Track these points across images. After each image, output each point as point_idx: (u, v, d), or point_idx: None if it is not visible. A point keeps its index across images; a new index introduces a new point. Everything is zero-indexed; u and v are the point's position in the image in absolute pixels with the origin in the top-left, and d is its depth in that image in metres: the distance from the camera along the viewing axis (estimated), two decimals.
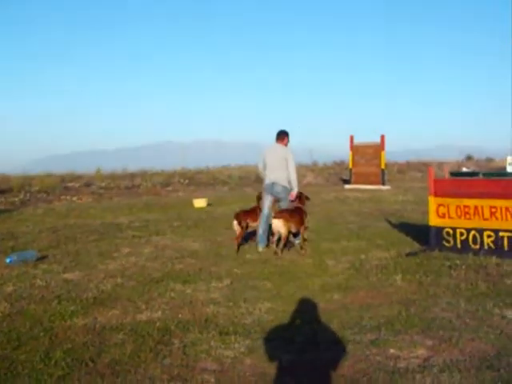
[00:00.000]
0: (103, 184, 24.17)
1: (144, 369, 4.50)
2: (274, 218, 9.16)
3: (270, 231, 9.64)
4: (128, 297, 6.71)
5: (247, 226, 9.84)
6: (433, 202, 9.27)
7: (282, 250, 9.14)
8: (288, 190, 9.75)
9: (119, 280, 7.54)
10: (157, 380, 4.29)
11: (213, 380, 4.28)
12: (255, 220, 9.93)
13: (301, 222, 9.53)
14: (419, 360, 4.58)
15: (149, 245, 10.37)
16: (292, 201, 9.80)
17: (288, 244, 9.56)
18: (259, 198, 10.19)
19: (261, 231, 9.74)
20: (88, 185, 24.00)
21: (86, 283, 7.43)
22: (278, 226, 9.02)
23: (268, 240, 9.73)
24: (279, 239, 9.15)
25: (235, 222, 9.74)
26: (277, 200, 9.90)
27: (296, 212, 9.53)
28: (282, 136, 10.02)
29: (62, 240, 11.03)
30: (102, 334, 5.38)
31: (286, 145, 10.03)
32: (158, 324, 5.60)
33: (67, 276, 7.87)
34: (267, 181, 9.80)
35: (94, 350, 4.92)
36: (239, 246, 9.59)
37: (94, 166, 28.01)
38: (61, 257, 9.26)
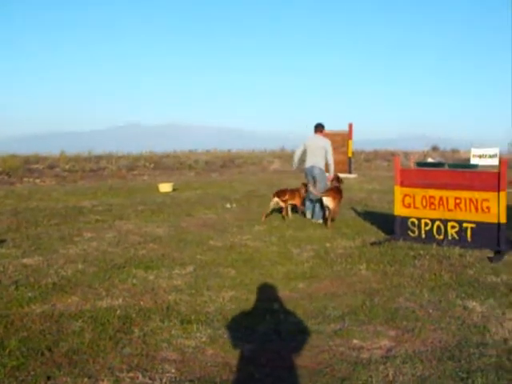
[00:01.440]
0: (67, 167, 23.78)
1: (103, 358, 4.38)
2: (324, 195, 10.81)
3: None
4: (89, 283, 6.56)
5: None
6: (399, 191, 9.29)
7: (331, 222, 10.65)
8: (324, 173, 11.62)
9: (80, 266, 7.37)
10: (116, 370, 4.17)
11: (173, 370, 4.18)
12: (293, 199, 11.65)
13: (341, 199, 11.24)
14: (382, 351, 4.56)
15: (112, 229, 10.19)
16: (331, 181, 11.58)
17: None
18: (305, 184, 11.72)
19: (316, 208, 11.49)
20: (52, 167, 23.58)
21: (46, 268, 7.24)
22: (328, 201, 10.66)
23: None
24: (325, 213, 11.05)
25: (276, 199, 11.47)
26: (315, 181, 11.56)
27: (337, 190, 11.15)
28: (321, 128, 11.90)
29: (22, 223, 10.78)
30: (60, 321, 5.22)
31: (323, 135, 11.93)
32: (118, 312, 5.47)
33: (26, 261, 7.66)
34: (307, 165, 11.69)
35: (51, 339, 4.77)
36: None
37: (59, 148, 27.52)
38: (20, 241, 9.03)
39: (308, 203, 11.79)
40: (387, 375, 4.03)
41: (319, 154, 11.55)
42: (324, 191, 11.11)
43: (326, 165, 11.71)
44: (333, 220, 10.81)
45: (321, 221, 11.30)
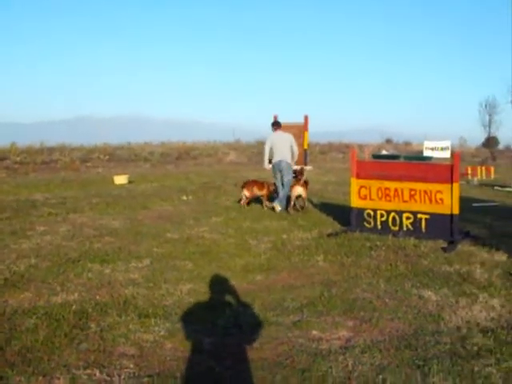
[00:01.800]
0: (18, 159, 23.20)
1: (58, 355, 4.26)
2: (296, 186, 11.77)
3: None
4: (42, 278, 6.40)
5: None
6: (355, 183, 9.38)
7: (302, 208, 11.80)
8: (290, 166, 12.14)
9: (33, 260, 7.19)
10: (72, 367, 4.06)
11: (132, 365, 4.11)
12: (261, 189, 12.38)
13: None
14: (341, 341, 4.58)
15: (66, 223, 9.99)
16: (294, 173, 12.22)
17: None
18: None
19: (281, 196, 11.97)
20: (2, 159, 22.95)
21: None
22: (300, 190, 11.71)
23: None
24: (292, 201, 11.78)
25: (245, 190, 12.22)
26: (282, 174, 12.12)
27: (305, 182, 12.01)
28: (280, 124, 12.69)
29: None
30: (13, 318, 5.06)
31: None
32: (73, 307, 5.34)
33: None
34: (275, 159, 12.21)
35: (4, 337, 4.61)
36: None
37: (9, 140, 26.81)
38: None
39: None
40: (347, 365, 4.05)
41: (285, 149, 12.16)
42: (297, 182, 11.91)
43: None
44: (303, 208, 11.82)
45: (280, 209, 11.72)
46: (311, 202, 12.86)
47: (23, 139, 28.15)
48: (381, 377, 3.86)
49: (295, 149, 12.29)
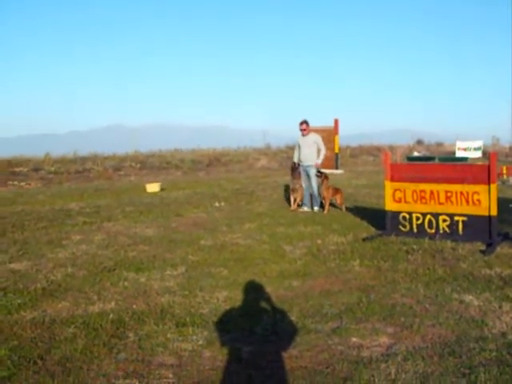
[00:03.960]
0: (52, 169, 23.52)
1: (97, 365, 4.27)
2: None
3: None
4: (79, 287, 6.43)
5: None
6: (389, 186, 9.25)
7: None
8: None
9: (69, 269, 7.24)
10: (111, 377, 4.06)
11: (171, 375, 4.08)
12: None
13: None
14: (382, 348, 4.49)
15: (100, 232, 10.05)
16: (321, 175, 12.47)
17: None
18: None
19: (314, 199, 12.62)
20: (36, 169, 23.31)
21: (35, 273, 7.10)
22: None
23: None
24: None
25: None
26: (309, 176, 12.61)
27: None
28: (305, 125, 12.58)
29: (8, 228, 10.59)
30: (52, 328, 5.09)
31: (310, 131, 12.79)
32: (111, 316, 5.35)
33: (14, 266, 7.52)
34: (304, 163, 12.61)
35: (43, 346, 4.64)
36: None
37: (43, 151, 27.23)
38: (7, 246, 8.87)
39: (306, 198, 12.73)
40: (389, 373, 3.96)
41: (313, 150, 12.55)
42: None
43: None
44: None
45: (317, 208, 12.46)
46: (345, 206, 12.73)
47: (57, 149, 28.53)
48: None
49: (323, 148, 12.63)
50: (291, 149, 34.67)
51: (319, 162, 12.62)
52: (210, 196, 15.24)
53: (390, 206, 9.26)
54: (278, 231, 9.78)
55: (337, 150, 24.79)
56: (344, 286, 6.31)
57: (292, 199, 12.73)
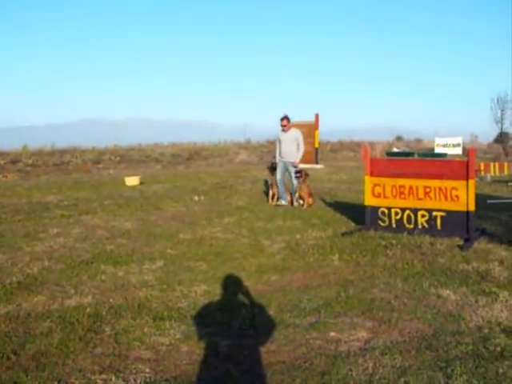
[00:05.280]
0: (30, 161, 23.24)
1: (73, 360, 4.21)
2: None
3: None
4: (56, 281, 6.35)
5: None
6: (368, 181, 9.27)
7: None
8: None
9: (46, 263, 7.15)
10: (87, 372, 4.00)
11: (148, 370, 4.04)
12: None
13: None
14: (360, 343, 4.49)
15: (78, 225, 9.95)
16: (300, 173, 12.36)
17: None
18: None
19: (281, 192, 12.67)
20: (14, 162, 23.01)
21: (10, 267, 6.98)
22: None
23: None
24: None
25: None
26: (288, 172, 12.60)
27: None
28: (285, 120, 12.49)
29: None
30: (27, 322, 5.01)
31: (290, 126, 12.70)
32: (87, 310, 5.29)
33: None
34: (284, 158, 12.56)
35: (18, 341, 4.56)
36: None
37: (21, 143, 26.91)
38: None
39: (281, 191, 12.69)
40: (367, 368, 3.96)
41: (293, 146, 12.49)
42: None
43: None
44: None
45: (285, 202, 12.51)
46: (324, 201, 12.76)
47: (35, 142, 28.21)
48: (403, 379, 3.76)
49: (301, 146, 12.54)
50: (271, 143, 34.68)
51: (297, 160, 12.55)
52: (190, 190, 15.17)
53: (369, 201, 9.29)
54: (256, 225, 9.76)
55: (317, 145, 24.84)
56: (323, 281, 6.31)
57: (271, 194, 12.70)
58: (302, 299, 5.60)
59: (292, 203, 12.52)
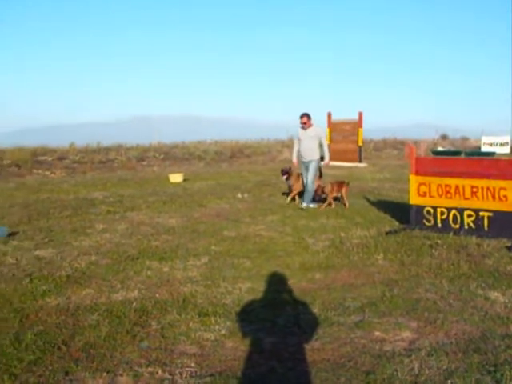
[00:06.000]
0: (77, 158, 23.71)
1: (120, 352, 4.30)
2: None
3: None
4: (103, 275, 6.48)
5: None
6: (414, 180, 9.16)
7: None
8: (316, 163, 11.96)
9: (93, 258, 7.31)
10: (134, 364, 4.09)
11: (193, 364, 4.10)
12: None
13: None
14: (405, 343, 4.45)
15: (124, 221, 10.11)
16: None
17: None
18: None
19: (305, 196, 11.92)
20: (61, 159, 23.51)
21: (59, 261, 7.17)
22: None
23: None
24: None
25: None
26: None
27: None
28: (306, 118, 11.84)
29: (33, 215, 10.72)
30: (76, 314, 5.15)
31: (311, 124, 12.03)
32: (134, 304, 5.39)
33: (39, 253, 7.60)
34: (305, 158, 11.97)
35: (68, 333, 4.69)
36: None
37: (68, 140, 27.47)
38: (32, 233, 8.97)
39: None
40: (412, 368, 3.93)
41: (313, 145, 11.90)
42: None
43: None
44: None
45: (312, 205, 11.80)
46: (367, 199, 12.65)
47: (81, 139, 28.73)
48: (449, 382, 3.72)
49: (325, 143, 12.08)
50: None
51: (327, 160, 12.19)
52: (233, 187, 15.25)
53: (414, 200, 9.17)
54: (300, 223, 9.75)
55: (360, 143, 24.65)
56: (367, 280, 6.27)
57: (291, 195, 12.53)
58: (347, 298, 5.59)
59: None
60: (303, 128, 11.94)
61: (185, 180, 17.61)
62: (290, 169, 12.53)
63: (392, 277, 6.37)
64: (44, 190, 15.29)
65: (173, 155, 26.85)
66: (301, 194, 12.27)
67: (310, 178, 11.79)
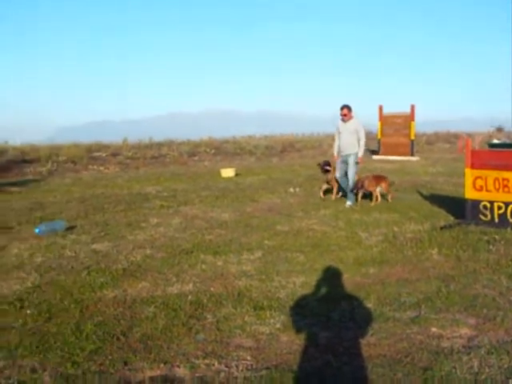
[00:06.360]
0: (130, 154, 24.09)
1: (177, 344, 4.38)
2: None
3: None
4: (158, 269, 6.59)
5: None
6: (469, 174, 8.95)
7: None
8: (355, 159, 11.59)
9: (148, 251, 7.44)
10: (191, 356, 4.15)
11: (249, 357, 4.13)
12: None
13: None
14: (463, 340, 4.38)
15: (177, 215, 10.24)
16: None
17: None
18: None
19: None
20: (115, 155, 23.94)
21: (115, 254, 7.33)
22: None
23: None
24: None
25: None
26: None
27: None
28: (346, 110, 11.53)
29: (89, 210, 10.96)
30: (133, 306, 5.27)
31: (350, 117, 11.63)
32: (189, 297, 5.47)
33: (96, 246, 7.78)
34: (344, 152, 11.61)
35: (126, 324, 4.81)
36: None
37: (120, 136, 27.93)
38: (89, 227, 9.18)
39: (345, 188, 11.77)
40: (472, 366, 3.86)
41: (354, 139, 11.51)
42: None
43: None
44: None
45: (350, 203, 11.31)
46: (420, 193, 12.45)
47: (133, 135, 29.11)
48: (511, 381, 3.63)
49: (362, 137, 11.48)
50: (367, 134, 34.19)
51: (360, 155, 11.59)
52: (285, 182, 15.23)
53: (470, 194, 8.97)
54: (353, 218, 9.68)
55: (413, 137, 24.24)
56: (422, 275, 6.19)
57: (324, 190, 12.36)
58: (402, 293, 5.53)
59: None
60: (343, 120, 11.61)
61: (236, 175, 17.68)
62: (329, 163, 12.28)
63: (448, 272, 6.26)
64: (99, 186, 15.60)
65: (224, 150, 26.99)
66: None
67: (352, 172, 11.47)
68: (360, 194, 11.49)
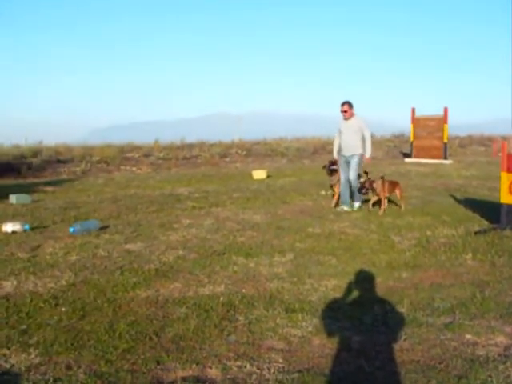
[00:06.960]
0: (161, 155, 24.30)
1: (209, 345, 4.39)
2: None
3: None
4: (190, 269, 6.62)
5: None
6: (505, 178, 8.80)
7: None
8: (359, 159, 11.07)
9: (181, 252, 7.47)
10: (223, 357, 4.16)
11: (281, 360, 4.13)
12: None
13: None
14: (499, 348, 4.30)
15: (209, 216, 10.28)
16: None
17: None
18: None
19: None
20: (147, 155, 24.17)
21: (148, 254, 7.38)
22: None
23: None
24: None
25: None
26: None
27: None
28: (347, 107, 11.00)
29: (122, 210, 11.07)
30: (165, 307, 5.29)
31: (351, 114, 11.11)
32: (221, 299, 5.48)
33: (129, 247, 7.85)
34: (345, 153, 11.12)
35: (158, 324, 4.84)
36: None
37: (153, 137, 28.18)
38: (122, 227, 9.27)
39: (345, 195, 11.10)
40: (508, 376, 3.78)
41: (356, 138, 10.98)
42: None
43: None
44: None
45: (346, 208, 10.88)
46: (454, 197, 12.28)
47: (165, 136, 29.36)
48: None
49: (367, 136, 10.94)
50: (397, 137, 33.91)
51: (368, 155, 10.99)
52: (316, 184, 15.17)
53: (505, 198, 8.82)
54: (385, 221, 9.60)
55: (446, 140, 23.95)
56: (456, 280, 6.11)
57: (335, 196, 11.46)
58: (435, 298, 5.47)
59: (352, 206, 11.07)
60: (344, 118, 11.05)
61: (268, 176, 17.68)
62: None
63: (482, 278, 6.17)
64: (131, 186, 15.78)
65: (255, 152, 27.03)
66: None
67: (353, 174, 10.88)
68: (371, 202, 10.85)
